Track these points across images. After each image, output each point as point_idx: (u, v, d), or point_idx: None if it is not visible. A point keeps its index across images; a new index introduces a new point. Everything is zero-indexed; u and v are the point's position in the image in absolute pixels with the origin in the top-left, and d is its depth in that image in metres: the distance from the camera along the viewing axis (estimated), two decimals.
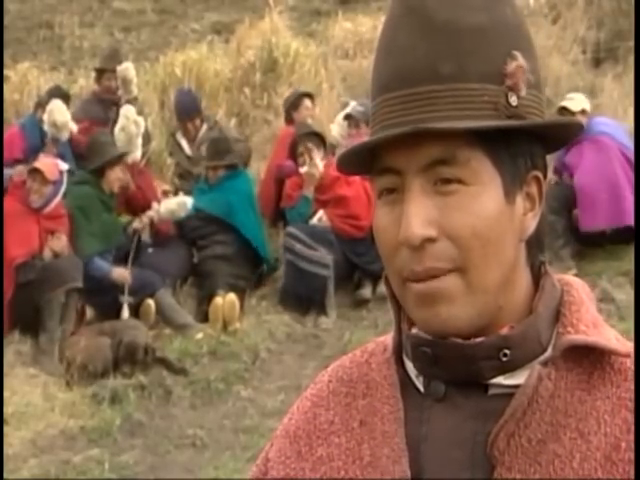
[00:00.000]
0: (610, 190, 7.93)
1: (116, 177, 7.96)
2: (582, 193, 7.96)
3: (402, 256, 1.16)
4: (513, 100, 1.16)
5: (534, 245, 1.22)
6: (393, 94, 1.17)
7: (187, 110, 9.32)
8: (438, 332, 1.17)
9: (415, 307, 1.18)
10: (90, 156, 8.06)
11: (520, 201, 1.19)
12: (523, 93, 1.16)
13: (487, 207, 1.15)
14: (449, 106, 1.14)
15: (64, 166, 7.89)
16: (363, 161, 1.21)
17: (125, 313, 7.63)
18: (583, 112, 8.10)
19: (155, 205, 8.16)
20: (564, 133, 1.24)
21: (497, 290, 1.17)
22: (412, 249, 1.15)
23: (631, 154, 8.11)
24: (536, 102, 1.19)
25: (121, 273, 7.74)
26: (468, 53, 1.15)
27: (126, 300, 7.63)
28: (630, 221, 7.78)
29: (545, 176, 1.22)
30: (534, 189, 1.20)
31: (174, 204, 8.19)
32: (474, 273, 1.15)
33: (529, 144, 1.19)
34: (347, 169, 1.25)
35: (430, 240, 1.15)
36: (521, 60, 1.16)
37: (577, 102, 8.27)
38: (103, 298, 7.68)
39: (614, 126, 8.39)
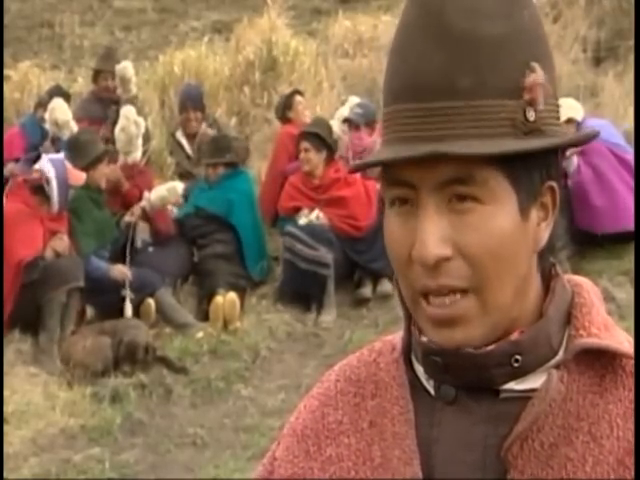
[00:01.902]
0: (602, 200, 7.89)
1: (101, 173, 7.91)
2: (576, 201, 7.91)
3: (415, 271, 1.16)
4: (531, 115, 1.15)
5: (545, 252, 1.21)
6: (408, 106, 1.15)
7: (192, 100, 9.27)
8: (452, 349, 1.17)
9: (430, 327, 1.18)
10: (73, 155, 8.00)
11: (534, 213, 1.18)
12: (541, 107, 1.15)
13: (502, 226, 1.14)
14: (466, 124, 1.13)
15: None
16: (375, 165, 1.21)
17: (128, 310, 7.61)
18: (569, 121, 7.89)
19: (146, 194, 8.14)
20: (580, 142, 1.24)
21: (511, 305, 1.17)
22: (426, 267, 1.15)
23: (624, 153, 8.09)
24: (552, 111, 1.19)
25: (120, 269, 7.73)
26: (486, 67, 1.13)
27: (128, 295, 7.62)
28: (628, 225, 7.78)
29: (559, 185, 1.21)
30: (548, 199, 1.20)
31: (164, 190, 8.17)
32: (489, 292, 1.15)
33: (545, 155, 1.18)
34: (361, 171, 1.27)
35: (445, 259, 1.14)
36: (539, 72, 1.15)
37: (563, 110, 8.13)
38: (103, 297, 7.67)
39: (606, 127, 8.31)
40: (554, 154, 1.20)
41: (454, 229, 1.14)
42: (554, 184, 1.20)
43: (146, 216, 8.13)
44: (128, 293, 7.63)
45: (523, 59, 1.15)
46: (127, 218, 8.05)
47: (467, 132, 1.13)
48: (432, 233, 1.13)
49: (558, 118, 1.20)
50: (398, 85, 1.17)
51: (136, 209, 8.08)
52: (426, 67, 1.14)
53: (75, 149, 7.97)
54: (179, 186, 8.18)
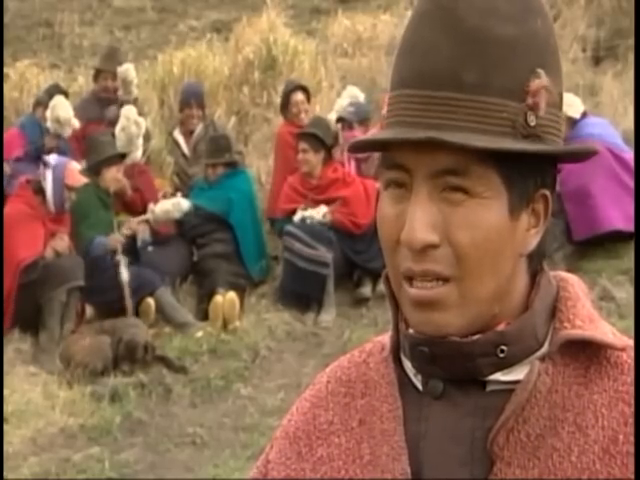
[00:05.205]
0: (592, 199, 7.86)
1: (112, 177, 7.97)
2: (567, 203, 7.84)
3: (402, 253, 1.18)
4: (531, 120, 1.16)
5: (535, 258, 1.23)
6: (412, 92, 1.17)
7: (195, 97, 9.24)
8: (431, 335, 1.19)
9: (410, 309, 1.19)
10: (88, 154, 8.08)
11: (525, 217, 1.19)
12: (542, 113, 1.17)
13: (489, 221, 1.16)
14: (467, 117, 1.14)
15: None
16: (373, 148, 1.24)
17: (124, 274, 7.64)
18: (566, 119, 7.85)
19: (151, 206, 8.15)
20: (578, 154, 1.25)
21: (491, 300, 1.18)
22: (413, 251, 1.16)
23: (623, 153, 8.08)
24: (554, 121, 1.19)
25: (113, 237, 7.80)
26: (493, 65, 1.15)
27: (123, 262, 7.65)
28: (618, 226, 7.78)
29: (553, 193, 1.22)
30: (540, 206, 1.21)
31: (169, 205, 8.19)
32: (469, 283, 1.17)
33: (541, 163, 1.20)
34: (359, 152, 1.29)
35: (432, 246, 1.16)
36: (544, 79, 1.16)
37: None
38: (103, 296, 7.68)
39: (604, 125, 8.30)
40: (550, 163, 1.21)
41: (444, 218, 1.16)
42: (548, 193, 1.21)
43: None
44: (122, 258, 7.66)
45: (530, 64, 1.16)
46: (125, 231, 8.03)
47: (467, 125, 1.14)
48: (421, 219, 1.15)
49: (559, 129, 1.20)
50: (405, 71, 1.18)
51: (138, 225, 8.07)
52: (434, 57, 1.15)
53: (92, 148, 8.04)
54: (184, 202, 8.19)
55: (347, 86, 9.36)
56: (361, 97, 9.04)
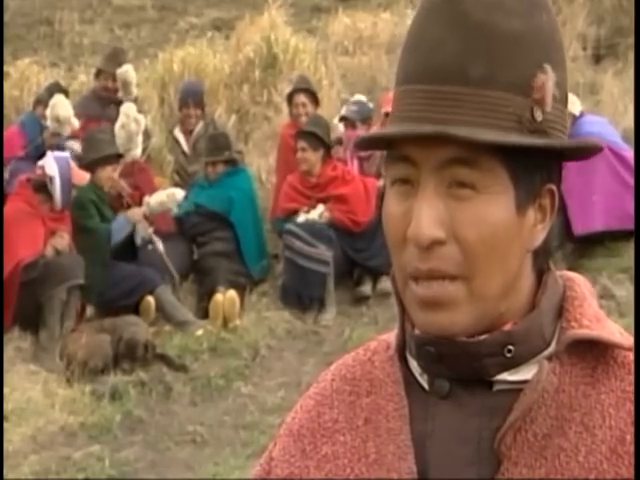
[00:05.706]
0: (592, 196, 7.85)
1: (107, 176, 7.93)
2: (568, 199, 7.82)
3: (409, 251, 1.17)
4: (538, 115, 1.16)
5: (541, 254, 1.23)
6: (418, 87, 1.17)
7: (193, 96, 9.20)
8: (437, 335, 1.18)
9: (416, 309, 1.19)
10: (85, 151, 8.06)
11: (532, 212, 1.19)
12: (549, 108, 1.16)
13: (496, 216, 1.16)
14: (473, 112, 1.14)
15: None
16: (379, 145, 1.23)
17: (160, 246, 7.88)
18: None
19: (146, 198, 8.14)
20: (583, 151, 1.25)
21: (499, 298, 1.18)
22: (420, 248, 1.16)
23: (621, 150, 8.07)
24: (559, 117, 1.19)
25: (133, 211, 7.94)
26: (499, 60, 1.15)
27: (152, 233, 7.87)
28: (623, 225, 7.77)
29: (559, 189, 1.22)
30: (547, 201, 1.21)
31: (163, 196, 8.16)
32: (477, 281, 1.16)
33: (547, 158, 1.19)
34: (364, 150, 1.28)
35: (438, 242, 1.15)
36: (551, 74, 1.16)
37: None
38: (103, 295, 7.68)
39: (603, 124, 8.30)
40: (556, 159, 1.21)
41: (450, 214, 1.15)
42: (554, 188, 1.21)
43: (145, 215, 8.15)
44: (150, 230, 7.93)
45: (536, 59, 1.16)
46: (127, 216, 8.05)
47: (473, 119, 1.14)
48: (428, 214, 1.15)
49: (564, 125, 1.20)
50: (411, 66, 1.18)
51: (136, 217, 8.07)
52: (440, 51, 1.15)
53: (89, 145, 8.02)
54: (178, 192, 8.18)
55: (355, 95, 9.35)
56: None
